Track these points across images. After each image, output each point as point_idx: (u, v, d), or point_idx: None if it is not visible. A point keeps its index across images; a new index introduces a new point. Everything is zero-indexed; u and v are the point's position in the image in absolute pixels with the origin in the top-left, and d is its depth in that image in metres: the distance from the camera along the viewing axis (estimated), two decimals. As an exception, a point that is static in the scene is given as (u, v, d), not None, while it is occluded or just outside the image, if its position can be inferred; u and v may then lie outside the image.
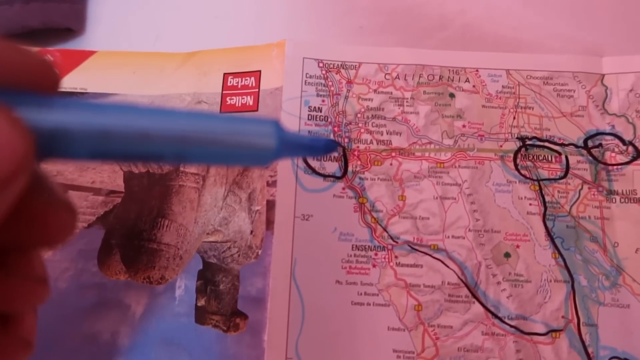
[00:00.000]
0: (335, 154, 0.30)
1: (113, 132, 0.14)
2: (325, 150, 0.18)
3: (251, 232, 0.29)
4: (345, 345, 0.28)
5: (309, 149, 0.19)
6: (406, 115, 0.31)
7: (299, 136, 0.20)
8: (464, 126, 0.31)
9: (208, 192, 0.30)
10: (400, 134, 0.31)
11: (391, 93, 0.32)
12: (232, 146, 0.16)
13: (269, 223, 0.29)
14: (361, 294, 0.28)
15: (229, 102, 0.31)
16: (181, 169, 0.30)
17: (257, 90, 0.32)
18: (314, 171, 0.30)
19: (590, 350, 0.27)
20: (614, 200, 0.30)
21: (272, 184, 0.30)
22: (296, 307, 0.28)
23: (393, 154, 0.31)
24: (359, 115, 0.32)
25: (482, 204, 0.30)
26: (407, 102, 0.32)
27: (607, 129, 0.31)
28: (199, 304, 0.28)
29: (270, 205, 0.29)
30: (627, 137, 0.31)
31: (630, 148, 0.30)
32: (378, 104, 0.32)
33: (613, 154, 0.31)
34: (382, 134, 0.31)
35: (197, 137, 0.15)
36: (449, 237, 0.29)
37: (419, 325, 0.28)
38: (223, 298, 0.28)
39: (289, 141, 0.17)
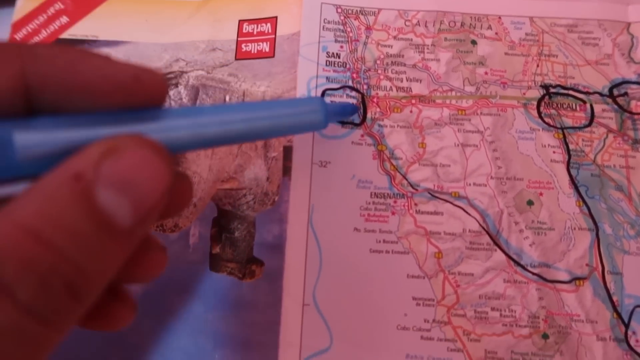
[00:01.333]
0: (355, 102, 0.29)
1: (209, 134, 0.18)
2: (352, 112, 0.28)
3: (267, 178, 0.28)
4: (363, 293, 0.27)
5: (343, 113, 0.27)
6: (427, 62, 0.31)
7: (336, 105, 0.28)
8: (486, 73, 0.30)
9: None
10: (420, 81, 0.30)
11: (411, 40, 0.31)
12: (294, 125, 0.22)
13: (286, 169, 0.29)
14: (380, 241, 0.28)
15: (244, 49, 0.31)
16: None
17: (273, 36, 0.31)
18: (332, 117, 0.29)
19: (615, 298, 0.27)
20: (639, 149, 0.29)
21: (289, 129, 0.29)
22: (314, 254, 0.27)
23: (413, 101, 0.30)
24: (378, 61, 0.31)
25: (505, 152, 0.29)
26: (427, 49, 0.31)
27: (633, 77, 0.30)
28: (213, 252, 0.28)
29: (287, 151, 0.29)
30: (654, 84, 0.30)
31: (657, 96, 0.30)
32: (398, 50, 0.31)
33: (639, 103, 0.30)
34: (401, 81, 0.30)
35: (269, 125, 0.20)
36: (470, 184, 0.29)
37: (439, 272, 0.27)
38: (238, 245, 0.28)
39: (331, 112, 0.24)
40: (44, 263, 0.12)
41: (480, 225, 0.28)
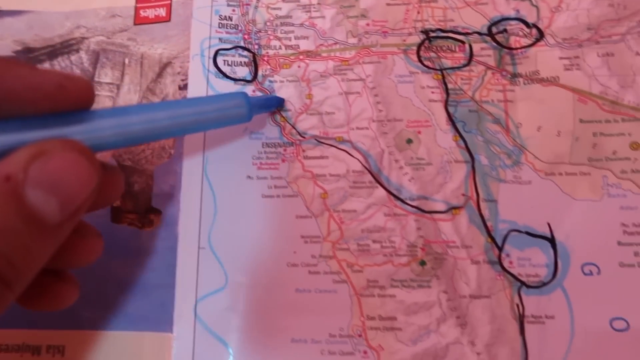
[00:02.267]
0: (246, 60, 0.31)
1: (135, 133, 0.19)
2: (278, 105, 0.30)
3: (166, 135, 0.31)
4: (256, 235, 0.29)
5: (267, 106, 0.29)
6: (313, 20, 0.33)
7: (259, 98, 0.29)
8: (367, 25, 0.32)
9: (122, 100, 0.32)
10: (307, 38, 0.32)
11: (299, 1, 0.33)
12: (218, 120, 0.24)
13: (181, 124, 0.31)
14: (271, 187, 0.30)
15: (142, 15, 0.33)
16: (95, 78, 0.32)
17: (169, 2, 0.33)
18: (225, 75, 0.32)
19: (489, 224, 0.28)
20: (517, 83, 0.30)
21: (183, 87, 0.31)
22: (208, 201, 0.30)
23: (301, 57, 0.32)
24: (268, 23, 0.33)
25: (385, 96, 0.31)
26: (313, 7, 0.33)
27: (512, 14, 0.31)
28: (114, 205, 0.30)
29: (182, 108, 0.31)
30: (531, 20, 0.31)
31: (534, 30, 0.31)
32: (286, 12, 0.33)
33: (517, 38, 0.31)
34: (290, 40, 0.32)
35: (193, 121, 0.22)
36: (353, 128, 0.30)
37: (325, 211, 0.29)
38: (138, 198, 0.30)
39: (254, 105, 0.26)
40: None
41: (362, 165, 0.30)
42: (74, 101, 0.17)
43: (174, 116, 0.21)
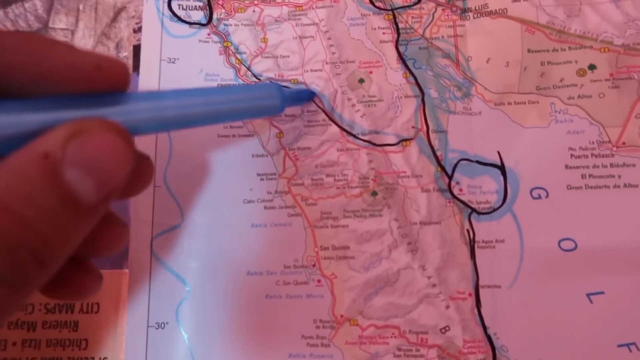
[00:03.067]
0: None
1: (169, 117, 0.19)
2: (309, 98, 0.30)
3: (124, 81, 0.31)
4: (212, 173, 0.30)
5: (299, 99, 0.29)
6: (268, -34, 0.33)
7: (291, 91, 0.29)
8: (321, -32, 0.33)
9: (78, 45, 0.32)
10: (262, -16, 0.33)
11: (255, -52, 0.34)
12: (250, 110, 0.24)
13: (136, 67, 0.32)
14: (227, 127, 0.31)
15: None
16: (50, 25, 0.32)
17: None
18: (179, 19, 0.32)
19: (439, 153, 0.29)
20: (467, 18, 0.31)
21: (138, 30, 0.32)
22: (164, 141, 0.30)
23: (255, 2, 0.32)
24: (224, -29, 0.33)
25: (338, 39, 0.31)
26: (269, -46, 0.33)
27: (461, -45, 0.32)
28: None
29: (137, 50, 0.32)
30: (479, -41, 0.32)
31: (482, -31, 0.31)
32: (242, -41, 0.34)
33: (466, -23, 0.31)
34: (246, -14, 0.33)
35: (227, 109, 0.21)
36: (307, 71, 0.31)
37: (281, 150, 0.30)
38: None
39: (287, 97, 0.26)
40: (13, 233, 0.13)
41: (316, 105, 0.30)
42: (110, 82, 0.17)
43: (209, 103, 0.21)
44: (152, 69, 0.31)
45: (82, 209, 0.15)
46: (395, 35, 0.31)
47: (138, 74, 0.31)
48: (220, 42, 0.32)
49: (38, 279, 0.15)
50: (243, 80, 0.31)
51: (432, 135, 0.29)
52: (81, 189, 0.15)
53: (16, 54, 0.15)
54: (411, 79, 0.30)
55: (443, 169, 0.29)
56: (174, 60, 0.31)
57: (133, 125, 0.17)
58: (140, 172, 0.21)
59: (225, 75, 0.31)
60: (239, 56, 0.32)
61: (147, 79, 0.31)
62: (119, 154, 0.16)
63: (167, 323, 0.28)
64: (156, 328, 0.28)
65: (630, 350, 0.26)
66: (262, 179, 0.30)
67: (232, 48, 0.32)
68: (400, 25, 0.31)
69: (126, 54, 0.32)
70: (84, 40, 0.32)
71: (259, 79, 0.31)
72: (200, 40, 0.32)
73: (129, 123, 0.17)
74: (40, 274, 0.15)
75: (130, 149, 0.16)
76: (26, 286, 0.14)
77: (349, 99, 0.30)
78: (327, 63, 0.31)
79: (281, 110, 0.25)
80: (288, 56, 0.31)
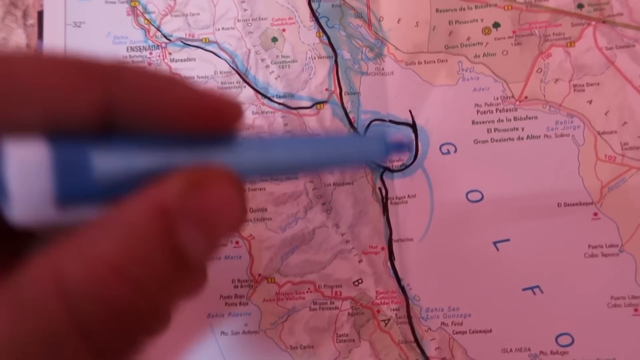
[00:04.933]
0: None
1: (277, 167, 0.17)
2: (408, 149, 0.28)
3: (27, 45, 0.30)
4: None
5: (399, 148, 0.24)
6: None
7: (396, 145, 0.24)
8: None
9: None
10: (170, -60, 0.32)
11: None
12: (355, 162, 0.23)
13: (41, 33, 0.30)
14: (138, 91, 0.30)
15: None
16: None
17: None
18: (83, -20, 0.31)
19: (352, 115, 0.29)
20: (378, -22, 0.31)
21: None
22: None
23: (164, -41, 0.31)
24: None
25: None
26: None
27: None
28: None
29: (41, 16, 0.30)
30: None
31: None
32: None
33: None
34: (153, -58, 0.32)
35: (334, 162, 0.20)
36: (219, 29, 0.30)
37: (194, 113, 0.29)
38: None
39: (390, 146, 0.23)
40: (125, 302, 0.12)
41: (230, 66, 0.30)
42: (225, 127, 0.15)
43: (318, 156, 0.18)
44: (56, 34, 0.30)
45: (188, 267, 0.13)
46: (308, -9, 0.30)
47: (42, 40, 0.30)
48: (127, 2, 0.31)
49: (140, 346, 0.13)
50: (153, 42, 0.30)
51: (344, 97, 0.29)
52: (192, 246, 0.13)
53: (137, 93, 0.14)
54: (324, 38, 0.30)
55: (355, 130, 0.29)
56: (80, 24, 0.30)
57: (241, 173, 0.16)
58: None
59: (134, 37, 0.30)
60: (147, 16, 0.31)
61: (53, 45, 0.30)
62: (236, 210, 0.14)
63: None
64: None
65: (534, 293, 0.27)
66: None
67: (140, 8, 0.31)
68: (312, -17, 0.31)
69: (32, 22, 0.30)
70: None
71: (169, 39, 0.30)
72: (106, 1, 0.31)
73: (239, 169, 0.15)
74: (143, 341, 0.13)
75: (244, 203, 0.14)
76: (126, 354, 0.13)
77: (262, 60, 0.30)
78: (238, 20, 0.30)
79: (383, 159, 0.26)
80: (198, 14, 0.31)
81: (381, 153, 0.22)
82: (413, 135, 0.29)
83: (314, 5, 0.30)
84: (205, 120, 0.15)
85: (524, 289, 0.27)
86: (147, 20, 0.30)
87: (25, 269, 0.12)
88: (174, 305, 0.14)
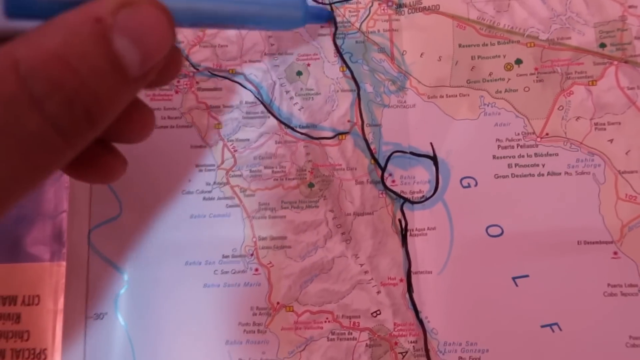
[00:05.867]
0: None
1: (203, 11, 0.20)
2: (328, 18, 0.31)
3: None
4: (151, 164, 0.30)
5: (320, 16, 0.30)
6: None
7: (314, 7, 0.30)
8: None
9: None
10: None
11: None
12: (276, 17, 0.25)
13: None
14: (165, 117, 0.31)
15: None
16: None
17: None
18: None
19: (373, 147, 0.30)
20: (402, 13, 0.31)
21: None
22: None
23: (195, -7, 0.32)
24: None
25: (276, 31, 0.31)
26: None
27: (398, -51, 0.33)
28: None
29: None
30: (414, -47, 0.32)
31: (417, -37, 0.32)
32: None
33: (402, -28, 0.32)
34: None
35: (256, 12, 0.23)
36: (246, 61, 0.31)
37: (219, 141, 0.30)
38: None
39: (309, 13, 0.28)
40: (69, 85, 0.14)
41: (255, 96, 0.31)
42: None
43: (241, 2, 0.22)
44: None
45: (126, 79, 0.16)
46: (333, 29, 0.31)
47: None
48: (158, 33, 0.32)
49: (87, 136, 0.16)
50: (182, 71, 0.31)
51: (366, 129, 0.30)
52: (127, 57, 0.15)
53: None
54: (347, 72, 0.31)
55: (376, 161, 0.29)
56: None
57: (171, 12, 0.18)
58: (171, 60, 0.21)
59: (164, 67, 0.31)
60: (176, 45, 0.31)
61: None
62: (163, 29, 0.16)
63: (106, 313, 0.28)
64: (95, 319, 0.28)
65: (552, 331, 0.27)
66: (200, 170, 0.30)
67: (170, 39, 0.32)
68: (338, 19, 0.31)
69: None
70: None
71: (197, 69, 0.31)
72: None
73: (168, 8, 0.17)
74: (90, 131, 0.15)
75: (172, 27, 0.16)
76: (78, 139, 0.15)
77: (287, 92, 0.31)
78: (265, 54, 0.31)
79: (303, 24, 0.28)
80: (226, 46, 0.31)
81: (300, 13, 0.26)
82: (427, 175, 0.29)
83: (339, 41, 0.31)
84: None
85: (543, 326, 0.27)
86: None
87: None
88: (116, 108, 0.16)
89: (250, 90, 0.31)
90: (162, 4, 0.16)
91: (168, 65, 0.20)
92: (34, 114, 0.14)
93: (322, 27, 0.31)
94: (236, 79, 0.31)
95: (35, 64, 0.14)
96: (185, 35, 0.32)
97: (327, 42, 0.31)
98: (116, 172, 0.22)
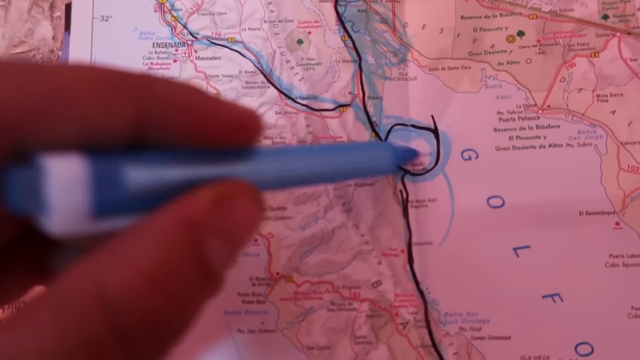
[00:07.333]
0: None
1: (294, 177, 0.18)
2: (414, 157, 0.29)
3: (53, 37, 0.30)
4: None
5: (407, 158, 0.28)
6: None
7: (402, 150, 0.28)
8: None
9: (14, 8, 0.31)
10: (200, -59, 0.32)
11: None
12: (367, 170, 0.24)
13: (68, 25, 0.30)
14: (162, 87, 0.30)
15: None
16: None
17: None
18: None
19: (374, 119, 0.29)
20: (404, -16, 0.31)
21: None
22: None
23: (193, -41, 0.32)
24: None
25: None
26: None
27: None
28: None
29: (69, 8, 0.30)
30: None
31: None
32: None
33: (405, -57, 0.32)
34: (182, -58, 0.32)
35: (348, 170, 0.21)
36: (245, 29, 0.31)
37: (218, 110, 0.30)
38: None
39: (398, 157, 0.27)
40: (162, 314, 0.13)
41: (255, 65, 0.30)
42: (248, 140, 0.16)
43: (332, 164, 0.20)
44: (83, 27, 0.30)
45: (212, 277, 0.14)
46: (335, -4, 0.31)
47: (69, 33, 0.30)
48: (155, -1, 0.31)
49: (169, 344, 0.14)
50: (179, 39, 0.30)
51: (367, 102, 0.29)
52: (217, 261, 0.14)
53: (169, 107, 0.14)
54: (349, 42, 0.30)
55: (377, 134, 0.29)
56: (107, 18, 0.30)
57: (260, 184, 0.16)
58: None
59: (161, 34, 0.31)
60: (174, 13, 0.31)
61: (79, 38, 0.30)
62: (255, 223, 0.15)
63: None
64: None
65: (554, 301, 0.27)
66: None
67: (167, 5, 0.31)
68: (339, -15, 0.31)
69: (59, 14, 0.31)
70: (19, 2, 0.31)
71: (196, 37, 0.31)
72: (134, -3, 0.31)
73: (257, 181, 0.16)
74: (173, 340, 0.14)
75: (262, 217, 0.15)
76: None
77: (287, 61, 0.30)
78: (265, 21, 0.31)
79: (393, 171, 0.28)
80: (225, 13, 0.31)
81: (390, 166, 0.25)
82: (428, 147, 0.29)
83: (340, 9, 0.31)
84: (230, 133, 0.15)
85: (544, 297, 0.27)
86: (174, 17, 0.31)
87: (64, 278, 0.12)
88: (198, 311, 0.14)
89: (249, 59, 0.30)
90: (256, 191, 0.15)
91: None
92: (119, 351, 0.12)
93: None
94: (235, 47, 0.31)
95: (124, 293, 0.12)
96: (183, 3, 0.31)
97: (328, 9, 0.31)
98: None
